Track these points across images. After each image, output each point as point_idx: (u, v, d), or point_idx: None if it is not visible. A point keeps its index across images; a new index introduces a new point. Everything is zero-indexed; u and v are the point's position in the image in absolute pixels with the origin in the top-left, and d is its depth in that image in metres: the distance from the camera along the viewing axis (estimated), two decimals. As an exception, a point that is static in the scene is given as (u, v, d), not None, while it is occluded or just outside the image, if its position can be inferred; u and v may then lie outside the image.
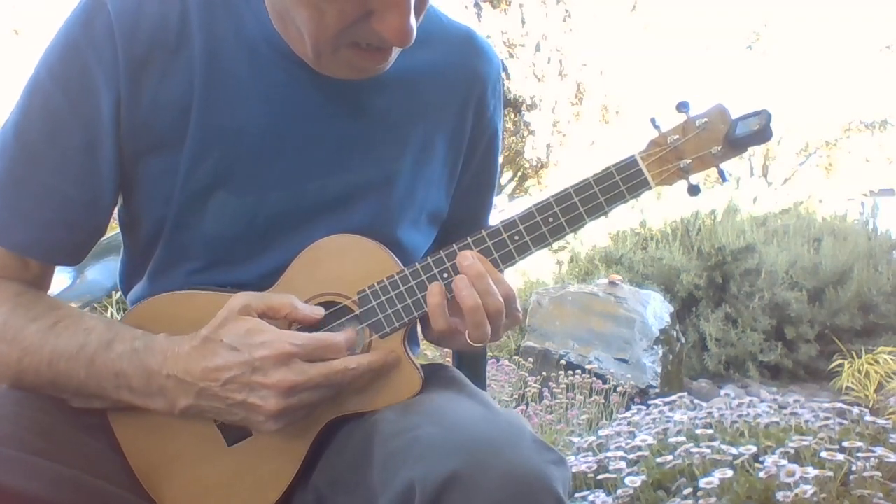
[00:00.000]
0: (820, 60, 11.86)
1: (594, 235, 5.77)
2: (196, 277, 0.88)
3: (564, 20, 11.90)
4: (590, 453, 2.00)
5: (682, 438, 1.80)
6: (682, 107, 0.83)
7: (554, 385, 3.15)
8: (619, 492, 1.68)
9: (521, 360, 3.65)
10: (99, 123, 0.81)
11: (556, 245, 6.12)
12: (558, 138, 12.03)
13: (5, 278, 0.85)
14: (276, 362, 0.75)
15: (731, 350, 4.59)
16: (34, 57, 0.84)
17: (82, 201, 0.84)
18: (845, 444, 1.68)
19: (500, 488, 0.66)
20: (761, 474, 1.56)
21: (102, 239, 0.89)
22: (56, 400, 0.82)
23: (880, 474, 1.55)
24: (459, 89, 0.95)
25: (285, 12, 0.79)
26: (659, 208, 5.63)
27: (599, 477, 1.77)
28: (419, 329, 1.00)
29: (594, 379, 3.22)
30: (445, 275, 0.83)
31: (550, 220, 0.84)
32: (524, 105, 12.07)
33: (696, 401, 2.45)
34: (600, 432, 2.19)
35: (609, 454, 1.87)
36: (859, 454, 1.62)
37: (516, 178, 13.36)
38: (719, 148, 0.83)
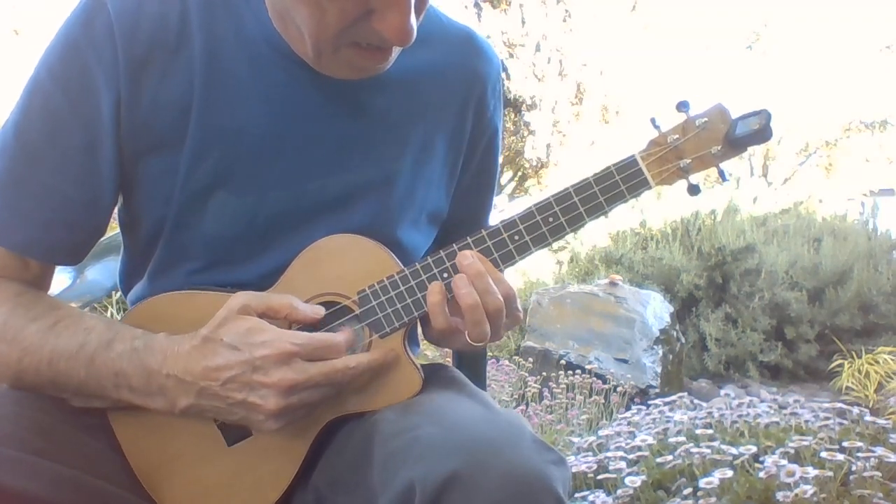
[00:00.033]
0: (820, 60, 11.86)
1: (594, 235, 5.77)
2: (196, 277, 0.88)
3: (564, 20, 11.90)
4: (590, 453, 2.00)
5: (682, 438, 1.80)
6: (682, 106, 0.83)
7: (554, 385, 3.15)
8: (619, 492, 1.68)
9: (521, 360, 3.65)
10: (99, 123, 0.81)
11: (556, 245, 6.12)
12: (558, 138, 12.04)
13: (5, 278, 0.85)
14: (277, 361, 0.75)
15: (731, 350, 4.59)
16: (34, 57, 0.84)
17: (82, 201, 0.84)
18: (845, 444, 1.68)
19: (500, 488, 0.66)
20: (761, 474, 1.56)
21: (102, 239, 0.89)
22: (56, 400, 0.82)
23: (880, 474, 1.55)
24: (459, 89, 0.95)
25: (285, 12, 0.79)
26: (659, 208, 5.63)
27: (599, 477, 1.77)
28: (419, 329, 1.00)
29: (594, 379, 3.22)
30: (445, 274, 0.83)
31: (550, 219, 0.84)
32: (524, 105, 12.07)
33: (696, 401, 2.45)
34: (600, 432, 2.19)
35: (609, 454, 1.87)
36: (859, 454, 1.62)
37: (516, 178, 13.36)
38: (719, 148, 0.83)
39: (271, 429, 0.78)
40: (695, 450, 1.69)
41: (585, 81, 11.94)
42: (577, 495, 1.77)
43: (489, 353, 2.14)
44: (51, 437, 0.77)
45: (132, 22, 0.81)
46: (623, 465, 1.78)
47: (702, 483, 1.58)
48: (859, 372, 3.80)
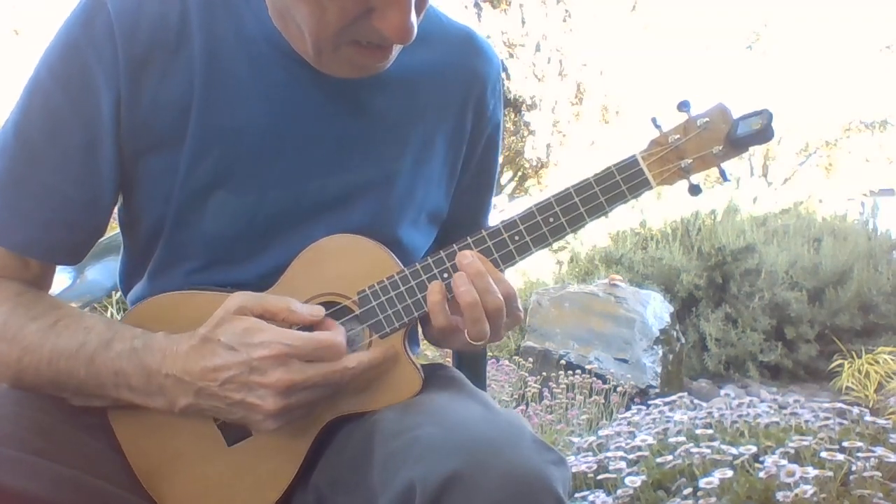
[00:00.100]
0: (820, 60, 11.86)
1: (594, 235, 5.77)
2: (195, 277, 0.88)
3: (564, 20, 11.90)
4: (590, 453, 2.00)
5: (682, 438, 1.80)
6: (683, 106, 0.83)
7: (554, 385, 3.15)
8: (619, 492, 1.68)
9: (521, 360, 3.65)
10: (99, 123, 0.81)
11: (556, 245, 6.12)
12: (558, 138, 12.04)
13: (6, 278, 0.85)
14: (274, 362, 0.75)
15: (731, 350, 4.59)
16: (34, 57, 0.84)
17: (82, 201, 0.84)
18: (845, 444, 1.68)
19: (500, 488, 0.66)
20: (761, 474, 1.56)
21: (102, 239, 0.89)
22: (56, 400, 0.82)
23: (880, 474, 1.55)
24: (459, 89, 0.95)
25: (286, 10, 0.79)
26: (659, 208, 5.63)
27: (599, 477, 1.77)
28: (419, 329, 1.00)
29: (594, 379, 3.22)
30: (445, 275, 0.83)
31: (551, 220, 0.83)
32: (524, 105, 12.07)
33: (696, 401, 2.45)
34: (600, 432, 2.19)
35: (609, 454, 1.87)
36: (859, 454, 1.62)
37: (516, 178, 13.37)
38: (720, 147, 0.82)
39: (270, 429, 0.78)
40: (695, 450, 1.69)
41: (585, 81, 11.95)
42: (577, 495, 1.77)
43: (489, 353, 2.14)
44: (51, 437, 0.77)
45: (132, 21, 0.81)
46: (623, 465, 1.78)
47: (702, 483, 1.58)
48: (859, 372, 3.80)
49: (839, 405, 2.06)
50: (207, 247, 0.87)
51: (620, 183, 0.83)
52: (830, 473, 1.54)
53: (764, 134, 0.80)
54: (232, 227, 0.87)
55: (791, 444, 1.68)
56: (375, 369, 0.82)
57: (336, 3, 0.73)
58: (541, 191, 11.55)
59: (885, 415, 2.84)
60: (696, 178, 0.85)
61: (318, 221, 0.88)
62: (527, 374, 3.45)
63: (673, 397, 2.39)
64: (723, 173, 0.85)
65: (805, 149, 13.37)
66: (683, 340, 4.29)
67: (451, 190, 0.98)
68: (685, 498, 1.63)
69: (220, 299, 0.80)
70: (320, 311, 0.82)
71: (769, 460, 1.59)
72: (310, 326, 0.82)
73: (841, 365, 3.96)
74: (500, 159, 1.06)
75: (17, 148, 0.82)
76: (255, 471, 0.84)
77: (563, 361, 3.63)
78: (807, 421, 1.98)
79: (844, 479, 1.58)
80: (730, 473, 1.57)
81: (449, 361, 1.15)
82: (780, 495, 1.48)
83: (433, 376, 0.89)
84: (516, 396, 3.32)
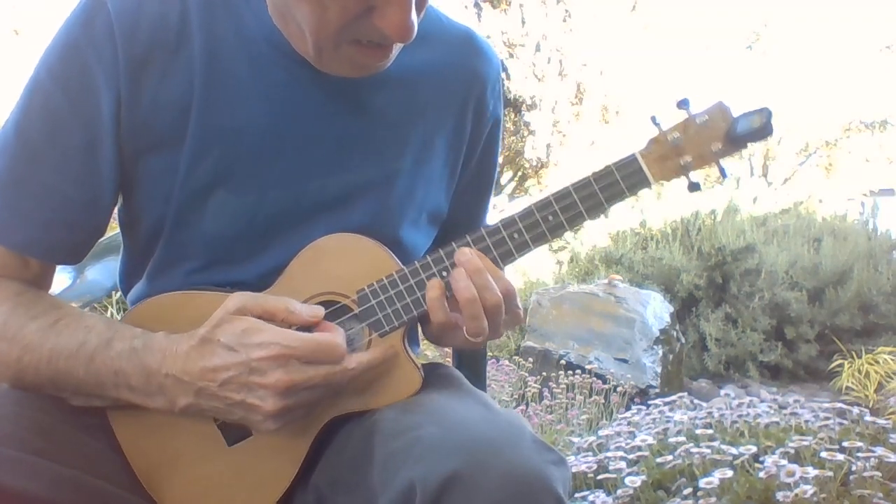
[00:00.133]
0: (820, 60, 11.86)
1: (594, 235, 5.77)
2: (195, 277, 0.88)
3: (564, 20, 11.90)
4: (590, 453, 2.00)
5: (682, 438, 1.80)
6: (683, 104, 0.83)
7: (554, 385, 3.15)
8: (619, 492, 1.68)
9: (521, 360, 3.65)
10: (99, 123, 0.81)
11: (556, 245, 6.13)
12: (558, 138, 12.03)
13: (6, 277, 0.85)
14: (273, 363, 0.75)
15: (731, 350, 4.59)
16: (34, 57, 0.84)
17: (82, 201, 0.84)
18: (845, 444, 1.68)
19: (500, 488, 0.66)
20: (761, 474, 1.56)
21: (102, 239, 0.89)
22: (56, 400, 0.82)
23: (880, 474, 1.55)
24: (459, 89, 0.95)
25: (286, 9, 0.79)
26: (659, 208, 5.63)
27: (599, 477, 1.77)
28: (419, 328, 1.00)
29: (594, 379, 3.22)
30: (444, 273, 0.83)
31: (550, 218, 0.83)
32: (524, 105, 12.07)
33: (696, 401, 2.45)
34: (600, 432, 2.19)
35: (609, 454, 1.87)
36: (859, 454, 1.62)
37: (516, 178, 13.36)
38: (720, 145, 0.83)
39: (270, 429, 0.78)
40: (695, 450, 1.69)
41: (585, 81, 11.94)
42: (577, 495, 1.77)
43: (489, 353, 2.14)
44: (51, 437, 0.77)
45: (132, 21, 0.81)
46: (623, 465, 1.78)
47: (702, 483, 1.58)
48: (859, 372, 3.80)
49: (839, 405, 2.06)
50: (207, 247, 0.87)
51: (619, 181, 0.83)
52: (830, 473, 1.54)
53: (763, 131, 0.80)
54: (232, 226, 0.87)
55: (791, 444, 1.68)
56: (375, 369, 0.82)
57: (337, 1, 0.73)
58: (541, 191, 11.55)
59: (885, 415, 2.84)
60: (695, 176, 0.85)
61: (318, 221, 0.88)
62: (527, 374, 3.45)
63: (673, 397, 2.40)
64: (722, 171, 0.85)
65: (805, 149, 13.37)
66: (683, 340, 4.30)
67: (451, 190, 0.98)
68: (685, 498, 1.63)
69: (220, 299, 0.80)
70: (320, 311, 0.82)
71: (769, 460, 1.59)
72: (310, 327, 0.82)
73: (841, 365, 3.96)
74: (500, 159, 1.06)
75: (17, 147, 0.82)
76: (256, 471, 0.84)
77: (563, 361, 3.63)
78: (807, 421, 1.98)
79: (844, 479, 1.58)
80: (730, 473, 1.57)
81: (449, 361, 1.15)
82: (780, 495, 1.48)
83: (433, 376, 0.89)
84: (516, 396, 3.32)
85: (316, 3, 0.74)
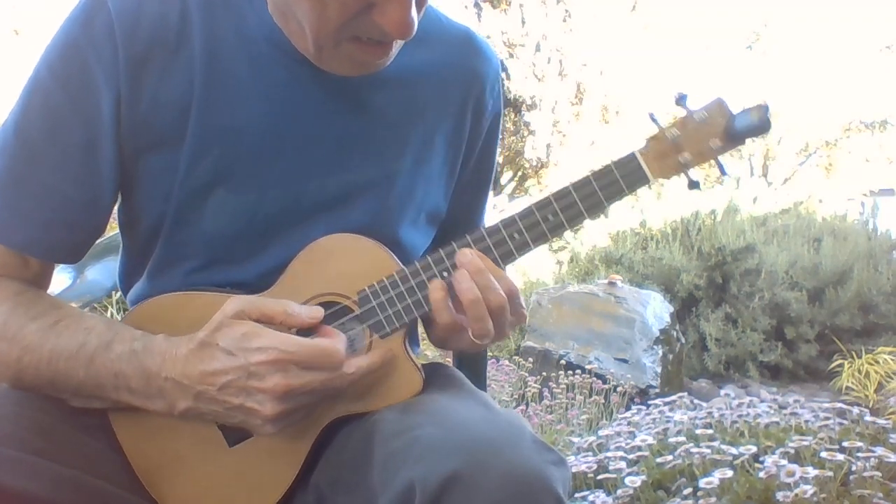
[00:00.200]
0: (820, 60, 11.85)
1: (594, 235, 5.77)
2: (195, 276, 0.88)
3: (564, 20, 11.90)
4: (590, 453, 2.00)
5: (682, 438, 1.80)
6: (681, 100, 0.83)
7: (554, 385, 3.14)
8: (619, 492, 1.68)
9: (521, 360, 3.65)
10: (99, 122, 0.81)
11: (556, 245, 6.13)
12: (558, 138, 12.03)
13: (5, 276, 0.85)
14: (272, 367, 0.75)
15: (731, 350, 4.59)
16: (34, 57, 0.84)
17: (82, 201, 0.84)
18: (845, 444, 1.68)
19: (500, 488, 0.66)
20: (761, 474, 1.56)
21: (102, 239, 0.89)
22: (56, 400, 0.82)
23: (880, 474, 1.55)
24: (458, 89, 0.95)
25: (286, 7, 0.79)
26: (659, 208, 5.63)
27: (599, 477, 1.77)
28: (420, 329, 1.00)
29: (594, 379, 3.22)
30: (445, 273, 0.83)
31: (550, 217, 0.83)
32: (524, 105, 12.07)
33: (696, 401, 2.45)
34: (600, 432, 2.19)
35: (609, 454, 1.86)
36: (859, 454, 1.62)
37: (516, 178, 13.36)
38: (719, 141, 0.82)
39: (269, 432, 0.78)
40: (695, 450, 1.69)
41: (585, 81, 11.94)
42: (577, 495, 1.77)
43: (489, 354, 2.14)
44: (51, 437, 0.77)
45: (132, 21, 0.81)
46: (623, 465, 1.78)
47: (702, 483, 1.58)
48: (859, 372, 3.80)
49: (839, 405, 2.06)
50: (207, 246, 0.87)
51: (619, 180, 0.83)
52: (830, 473, 1.54)
53: (762, 127, 0.80)
54: (232, 226, 0.87)
55: (791, 444, 1.68)
56: (375, 373, 0.82)
57: None
58: (540, 191, 11.55)
59: (885, 415, 2.84)
60: (694, 174, 0.85)
61: (317, 221, 0.88)
62: (527, 374, 3.45)
63: (673, 397, 2.39)
64: (721, 168, 0.85)
65: (805, 149, 13.37)
66: (683, 340, 4.29)
67: (450, 190, 0.98)
68: (685, 498, 1.63)
69: (220, 301, 0.80)
70: (319, 313, 0.82)
71: (769, 460, 1.59)
72: (311, 329, 0.82)
73: (841, 365, 3.96)
74: (500, 159, 1.06)
75: (16, 147, 0.82)
76: (256, 472, 0.84)
77: (563, 361, 3.63)
78: (807, 421, 1.98)
79: (844, 479, 1.58)
80: (730, 473, 1.57)
81: (449, 361, 1.15)
82: (780, 495, 1.48)
83: (433, 376, 0.89)
84: (516, 396, 3.32)
85: (316, 1, 0.74)
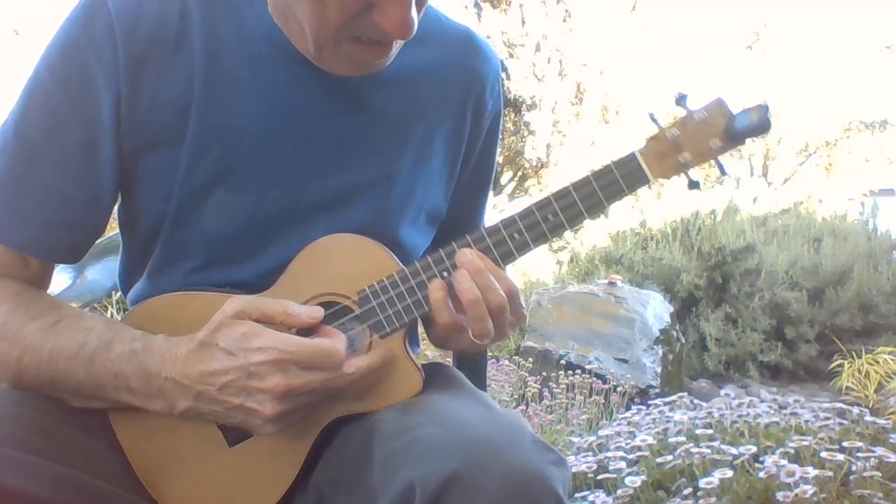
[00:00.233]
0: (820, 60, 11.86)
1: (594, 235, 5.77)
2: (195, 276, 0.88)
3: (564, 20, 11.90)
4: (590, 453, 2.00)
5: (682, 438, 1.80)
6: (681, 100, 0.83)
7: (554, 385, 3.14)
8: (619, 492, 1.68)
9: (521, 360, 3.65)
10: (99, 121, 0.81)
11: (556, 245, 6.13)
12: (558, 138, 12.04)
13: (5, 276, 0.85)
14: (272, 367, 0.75)
15: (731, 350, 4.59)
16: (34, 57, 0.84)
17: (82, 201, 0.84)
18: (845, 444, 1.68)
19: (500, 488, 0.66)
20: (761, 474, 1.56)
21: (102, 239, 0.89)
22: (56, 400, 0.82)
23: (880, 474, 1.55)
24: (458, 89, 0.95)
25: (286, 7, 0.79)
26: (659, 208, 5.63)
27: (599, 477, 1.77)
28: (420, 329, 1.00)
29: (594, 379, 3.22)
30: (445, 273, 0.83)
31: (550, 217, 0.83)
32: (524, 105, 12.07)
33: (696, 401, 2.45)
34: (600, 432, 2.19)
35: (609, 454, 1.86)
36: (859, 454, 1.62)
37: (516, 178, 13.36)
38: (719, 141, 0.82)
39: (269, 432, 0.78)
40: (695, 450, 1.69)
41: (585, 81, 11.95)
42: (577, 495, 1.77)
43: (489, 353, 2.14)
44: (51, 437, 0.77)
45: (132, 20, 0.81)
46: (623, 465, 1.78)
47: (702, 483, 1.58)
48: (859, 372, 3.80)
49: (839, 405, 2.06)
50: (207, 246, 0.87)
51: (619, 179, 0.83)
52: (830, 473, 1.54)
53: (762, 126, 0.80)
54: (231, 226, 0.87)
55: (791, 444, 1.68)
56: (375, 373, 0.82)
57: None
58: (540, 191, 11.55)
59: (885, 415, 2.84)
60: (694, 174, 0.85)
61: (317, 221, 0.88)
62: (527, 374, 3.45)
63: (673, 397, 2.39)
64: (721, 168, 0.85)
65: (805, 149, 13.37)
66: (683, 340, 4.29)
67: (450, 190, 0.98)
68: (685, 498, 1.63)
69: (220, 301, 0.80)
70: (319, 313, 0.82)
71: (769, 460, 1.59)
72: (311, 329, 0.82)
73: (841, 365, 3.96)
74: (500, 159, 1.06)
75: (16, 147, 0.82)
76: (257, 472, 0.84)
77: (563, 361, 3.63)
78: (807, 421, 1.98)
79: (844, 479, 1.58)
80: (730, 473, 1.57)
81: (449, 361, 1.15)
82: (780, 495, 1.48)
83: (433, 376, 0.89)
84: (516, 396, 3.32)
85: (316, 1, 0.74)
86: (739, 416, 2.05)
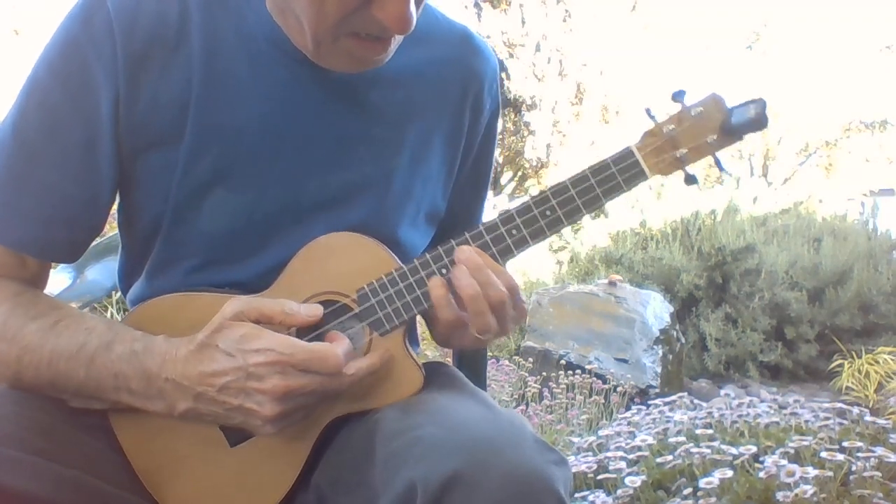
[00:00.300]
0: (820, 60, 11.86)
1: (594, 235, 5.77)
2: (194, 275, 0.87)
3: (564, 20, 11.91)
4: (590, 453, 2.00)
5: (682, 438, 1.80)
6: (678, 96, 0.83)
7: (554, 385, 3.15)
8: (619, 492, 1.68)
9: (521, 360, 3.65)
10: (98, 120, 0.81)
11: (556, 245, 6.12)
12: (558, 138, 12.04)
13: (3, 277, 0.84)
14: (271, 369, 0.75)
15: (731, 350, 4.59)
16: (34, 57, 0.84)
17: (81, 199, 0.84)
18: (845, 444, 1.68)
19: (501, 488, 0.66)
20: (761, 474, 1.56)
21: (102, 239, 0.90)
22: (56, 400, 0.82)
23: (880, 474, 1.55)
24: (456, 88, 0.95)
25: (285, 3, 0.79)
26: (659, 208, 5.63)
27: (599, 477, 1.77)
28: (419, 328, 1.00)
29: (594, 379, 3.22)
30: (444, 270, 0.83)
31: (548, 213, 0.83)
32: (524, 105, 12.08)
33: (696, 401, 2.44)
34: (600, 432, 2.19)
35: (609, 454, 1.86)
36: (859, 454, 1.62)
37: (516, 178, 13.37)
38: (715, 136, 0.82)
39: (269, 433, 0.78)
40: (695, 450, 1.68)
41: (585, 81, 11.95)
42: (577, 495, 1.77)
43: (489, 353, 2.14)
44: (51, 437, 0.77)
45: (131, 19, 0.81)
46: (623, 465, 1.78)
47: (702, 483, 1.58)
48: (859, 372, 3.80)
49: (839, 405, 2.06)
50: (206, 245, 0.87)
51: (616, 174, 0.83)
52: (830, 473, 1.54)
53: (758, 122, 0.80)
54: (231, 225, 0.86)
55: (791, 444, 1.68)
56: (375, 373, 0.81)
57: None
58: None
59: (885, 415, 2.84)
60: (692, 169, 0.84)
61: (316, 220, 0.88)
62: (527, 374, 3.45)
63: (673, 397, 2.39)
64: (718, 163, 0.84)
65: (805, 149, 13.37)
66: (683, 340, 4.29)
67: (449, 188, 0.98)
68: (685, 498, 1.63)
69: (219, 301, 0.79)
70: (318, 311, 0.81)
71: (769, 460, 1.59)
72: (313, 329, 0.82)
73: (841, 365, 3.96)
74: (500, 159, 1.06)
75: (15, 146, 0.82)
76: (258, 472, 0.84)
77: (563, 361, 3.63)
78: (807, 421, 1.98)
79: (844, 479, 1.58)
80: (730, 473, 1.57)
81: (449, 360, 1.15)
82: (780, 495, 1.47)
83: (434, 375, 0.89)
84: (516, 396, 3.32)
85: None
86: (739, 416, 2.05)
